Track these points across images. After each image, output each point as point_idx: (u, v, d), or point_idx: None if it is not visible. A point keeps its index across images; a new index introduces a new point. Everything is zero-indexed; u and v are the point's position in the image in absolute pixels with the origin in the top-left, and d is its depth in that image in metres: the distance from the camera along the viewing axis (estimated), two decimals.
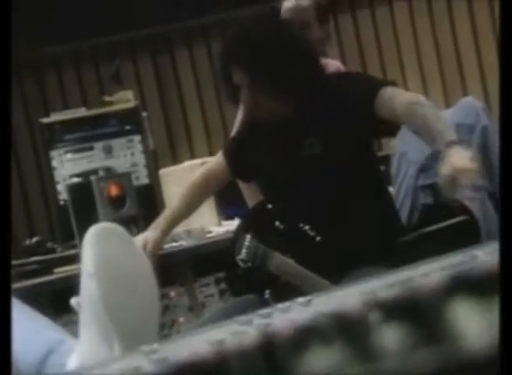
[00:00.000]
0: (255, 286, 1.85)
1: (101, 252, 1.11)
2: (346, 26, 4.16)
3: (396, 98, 1.83)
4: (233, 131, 2.60)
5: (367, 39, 4.16)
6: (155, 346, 0.70)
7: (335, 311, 0.56)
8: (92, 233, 1.12)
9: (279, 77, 1.85)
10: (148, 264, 1.18)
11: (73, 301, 1.15)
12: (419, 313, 0.50)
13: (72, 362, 1.08)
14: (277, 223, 1.86)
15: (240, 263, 1.89)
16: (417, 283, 0.55)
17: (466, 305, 0.50)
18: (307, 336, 0.52)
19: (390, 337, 0.49)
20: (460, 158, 1.71)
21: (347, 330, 0.51)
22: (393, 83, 1.91)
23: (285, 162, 1.89)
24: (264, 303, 1.76)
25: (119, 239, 1.14)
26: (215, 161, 2.09)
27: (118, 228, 1.16)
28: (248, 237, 1.87)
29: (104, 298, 1.08)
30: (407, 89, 4.17)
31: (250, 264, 1.86)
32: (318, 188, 1.82)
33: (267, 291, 1.82)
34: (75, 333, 1.21)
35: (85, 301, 1.10)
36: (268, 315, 0.83)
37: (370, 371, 0.47)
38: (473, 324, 0.48)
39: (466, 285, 0.52)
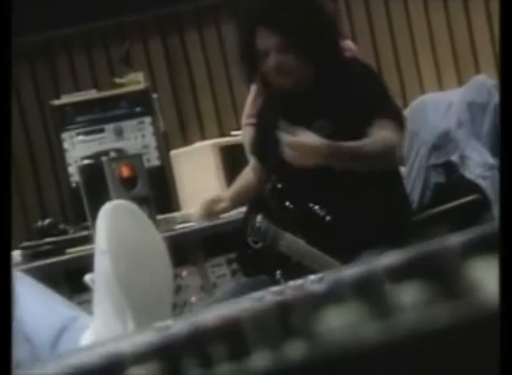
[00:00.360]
0: (266, 266, 1.85)
1: (114, 229, 1.11)
2: (359, 10, 4.12)
3: (380, 134, 1.83)
4: (244, 114, 2.59)
5: (379, 22, 4.13)
6: (169, 322, 0.70)
7: (351, 280, 0.56)
8: (106, 211, 1.12)
9: (306, 42, 1.86)
10: (162, 242, 1.18)
11: (87, 277, 1.16)
12: (436, 270, 0.50)
13: (87, 339, 1.09)
14: (287, 203, 1.86)
15: (251, 243, 1.89)
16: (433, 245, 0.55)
17: (483, 261, 0.50)
18: (322, 299, 0.52)
19: (407, 295, 0.49)
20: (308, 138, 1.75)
21: (364, 291, 0.51)
22: (394, 113, 1.89)
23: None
24: (276, 283, 1.76)
25: (133, 216, 1.14)
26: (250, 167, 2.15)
27: (131, 205, 1.17)
28: (259, 217, 1.87)
29: (117, 274, 1.08)
30: (419, 70, 4.15)
31: (261, 244, 1.86)
32: (326, 168, 1.82)
33: (278, 272, 1.82)
34: (88, 313, 1.21)
35: (99, 278, 1.10)
36: (280, 292, 0.83)
37: (387, 328, 0.47)
38: (491, 279, 0.48)
39: (483, 243, 0.52)
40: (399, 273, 0.52)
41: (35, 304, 1.08)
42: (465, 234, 0.56)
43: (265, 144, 1.99)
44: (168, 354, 0.55)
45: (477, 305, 0.48)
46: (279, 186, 1.91)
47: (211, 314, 0.69)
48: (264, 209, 1.89)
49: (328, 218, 1.81)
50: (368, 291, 0.52)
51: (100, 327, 1.09)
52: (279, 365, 0.52)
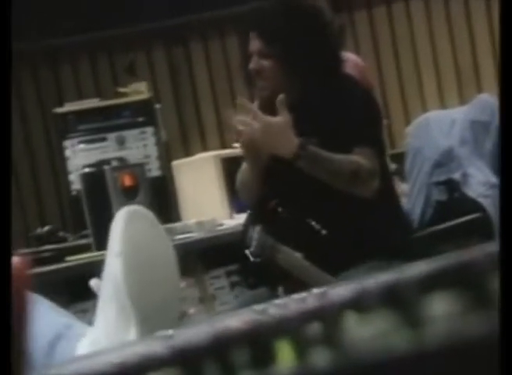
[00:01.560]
0: (268, 280, 1.84)
1: (130, 233, 1.10)
2: (362, 22, 4.14)
3: (358, 157, 1.83)
4: None
5: (382, 37, 4.14)
6: (171, 332, 0.69)
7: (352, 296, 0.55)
8: (123, 214, 1.12)
9: (288, 50, 1.88)
10: (173, 253, 1.18)
11: (93, 282, 1.14)
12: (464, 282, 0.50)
13: (84, 346, 1.07)
14: (284, 216, 1.85)
15: (250, 256, 1.87)
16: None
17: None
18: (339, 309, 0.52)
19: (435, 305, 0.48)
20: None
21: (390, 301, 0.50)
22: (375, 143, 1.89)
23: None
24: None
25: (149, 223, 1.14)
26: None
27: (148, 212, 1.16)
28: (257, 229, 1.86)
29: (128, 279, 1.07)
30: (421, 86, 4.16)
31: (259, 257, 1.85)
32: (322, 183, 1.82)
33: (280, 288, 1.80)
34: (87, 322, 1.20)
35: (107, 281, 1.09)
36: (283, 305, 0.82)
37: (414, 338, 0.47)
38: None
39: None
40: (425, 284, 0.51)
41: None
42: (489, 246, 0.55)
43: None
44: (175, 363, 0.54)
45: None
46: (277, 199, 1.90)
47: (225, 322, 0.68)
48: (263, 221, 1.88)
49: (323, 232, 1.81)
50: (394, 301, 0.52)
51: (100, 334, 1.08)
52: None
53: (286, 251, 1.81)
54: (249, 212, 2.01)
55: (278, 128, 1.78)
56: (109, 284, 1.09)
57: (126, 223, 1.11)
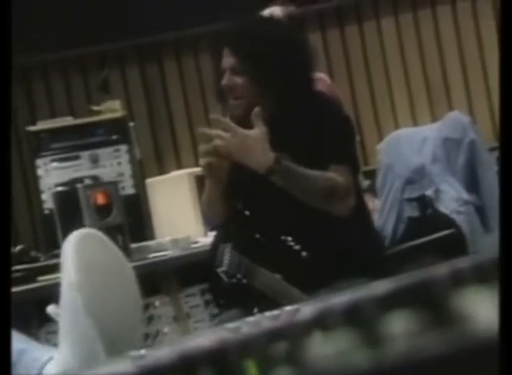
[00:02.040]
0: (242, 301, 1.80)
1: (82, 260, 1.09)
2: (334, 40, 4.17)
3: (333, 174, 1.84)
4: None
5: (354, 54, 4.18)
6: (143, 351, 0.68)
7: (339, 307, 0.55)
8: (73, 240, 1.10)
9: (261, 67, 1.87)
10: (131, 271, 1.16)
11: (50, 308, 1.13)
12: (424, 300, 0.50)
13: (53, 368, 1.05)
14: (257, 235, 1.82)
15: (223, 276, 1.84)
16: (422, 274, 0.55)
17: (473, 291, 0.49)
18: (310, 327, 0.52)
19: (395, 323, 0.49)
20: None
21: (352, 320, 0.50)
22: (350, 160, 1.90)
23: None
24: None
25: (101, 245, 1.12)
26: None
27: (99, 234, 1.15)
28: (228, 248, 1.83)
29: (87, 306, 1.06)
30: (393, 103, 4.20)
31: (233, 278, 1.82)
32: (297, 200, 1.80)
33: (255, 310, 1.77)
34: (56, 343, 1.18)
35: (66, 311, 1.08)
36: (256, 323, 0.82)
37: (377, 356, 0.47)
38: (480, 309, 0.48)
39: (471, 274, 0.52)
40: (387, 302, 0.52)
41: None
42: (452, 264, 0.56)
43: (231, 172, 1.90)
44: None
45: (466, 334, 0.47)
46: (247, 213, 1.87)
47: (192, 342, 0.68)
48: (233, 239, 1.85)
49: (304, 253, 1.79)
50: (356, 319, 0.52)
51: (68, 358, 1.06)
52: None
53: (264, 273, 1.77)
54: (217, 231, 1.98)
55: (253, 141, 1.77)
56: (69, 313, 1.07)
57: (78, 249, 1.09)
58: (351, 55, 4.19)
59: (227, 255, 1.82)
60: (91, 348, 1.04)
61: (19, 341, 1.16)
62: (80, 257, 1.08)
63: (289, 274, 1.77)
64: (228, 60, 1.89)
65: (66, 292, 1.08)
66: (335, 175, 1.83)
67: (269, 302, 1.75)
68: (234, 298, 1.83)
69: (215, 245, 1.89)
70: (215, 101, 2.03)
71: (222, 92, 1.92)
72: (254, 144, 1.77)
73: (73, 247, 1.09)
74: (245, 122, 1.85)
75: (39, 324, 2.23)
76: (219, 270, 1.83)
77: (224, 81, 1.89)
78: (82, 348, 1.04)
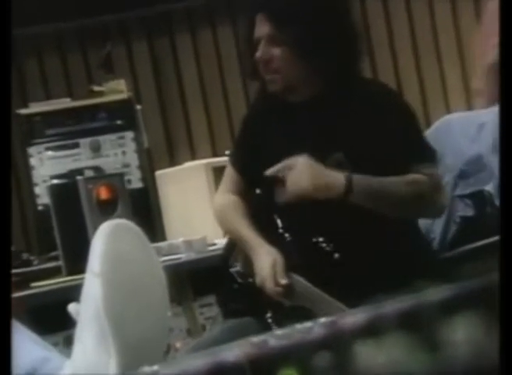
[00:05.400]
0: (254, 306, 1.82)
1: (111, 251, 1.12)
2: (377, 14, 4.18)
3: (415, 176, 1.82)
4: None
5: (398, 28, 4.19)
6: (156, 368, 0.71)
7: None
8: (104, 229, 1.14)
9: (304, 37, 1.81)
10: (163, 274, 1.19)
11: (71, 306, 1.17)
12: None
13: None
14: (285, 234, 1.83)
15: (237, 277, 1.86)
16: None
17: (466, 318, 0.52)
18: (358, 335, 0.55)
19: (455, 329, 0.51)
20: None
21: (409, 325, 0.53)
22: (432, 156, 1.89)
23: None
24: (266, 328, 1.71)
25: (136, 240, 1.16)
26: (227, 181, 2.00)
27: (136, 228, 1.18)
28: None
29: (108, 303, 1.09)
30: (443, 82, 4.19)
31: (249, 279, 1.84)
32: (337, 202, 1.80)
33: (268, 315, 1.79)
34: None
35: (86, 305, 1.11)
36: (286, 336, 0.84)
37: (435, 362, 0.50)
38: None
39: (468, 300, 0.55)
40: (442, 312, 0.54)
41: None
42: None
43: (255, 162, 1.90)
44: None
45: None
46: (275, 213, 1.87)
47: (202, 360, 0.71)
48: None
49: (336, 255, 1.79)
50: (413, 324, 0.55)
51: (79, 369, 1.10)
52: None
53: (293, 278, 1.78)
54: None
55: (318, 168, 1.74)
56: (88, 309, 1.11)
57: (108, 238, 1.13)
58: (394, 28, 4.20)
59: (243, 252, 1.83)
60: (104, 356, 1.07)
61: (42, 347, 1.21)
62: (108, 247, 1.12)
63: (321, 280, 1.78)
64: (262, 28, 1.85)
65: (88, 285, 1.12)
66: (418, 176, 1.81)
67: (285, 307, 1.76)
68: (245, 300, 1.84)
69: (232, 242, 1.91)
70: (248, 78, 1.99)
71: (254, 67, 1.88)
72: (320, 171, 1.75)
73: (103, 235, 1.13)
74: (283, 100, 1.84)
75: None
76: (233, 271, 1.84)
77: (258, 54, 1.85)
78: (93, 356, 1.07)
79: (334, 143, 1.82)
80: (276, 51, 1.84)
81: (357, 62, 1.90)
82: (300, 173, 1.74)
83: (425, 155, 1.87)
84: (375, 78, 2.07)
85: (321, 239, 1.80)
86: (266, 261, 1.78)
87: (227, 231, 1.99)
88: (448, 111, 3.97)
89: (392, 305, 0.67)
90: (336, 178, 1.75)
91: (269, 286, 1.75)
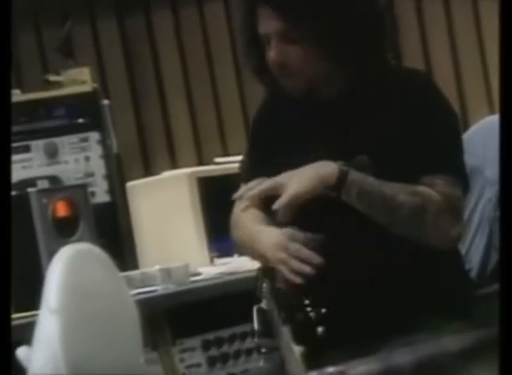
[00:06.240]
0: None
1: (71, 282, 1.14)
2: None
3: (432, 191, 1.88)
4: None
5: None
6: None
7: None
8: (62, 255, 1.16)
9: (327, 27, 1.85)
10: (135, 311, 1.22)
11: (21, 351, 1.19)
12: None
13: None
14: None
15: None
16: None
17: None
18: None
19: None
20: None
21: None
22: (458, 170, 1.95)
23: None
24: None
25: (101, 269, 1.18)
26: None
27: (101, 253, 1.21)
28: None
29: (67, 346, 1.12)
30: (487, 80, 4.23)
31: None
32: (362, 224, 1.86)
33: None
34: None
35: (40, 348, 1.14)
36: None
37: None
38: None
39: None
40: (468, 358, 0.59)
41: None
42: None
43: (271, 169, 1.95)
44: None
45: None
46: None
47: None
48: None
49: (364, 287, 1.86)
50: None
51: None
52: None
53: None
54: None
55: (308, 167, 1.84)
56: (43, 353, 1.13)
57: (68, 266, 1.15)
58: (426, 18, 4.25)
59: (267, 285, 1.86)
60: None
61: None
62: (67, 279, 1.14)
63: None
64: (270, 23, 1.89)
65: (43, 322, 1.14)
66: (427, 190, 1.86)
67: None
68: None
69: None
70: (255, 79, 2.03)
71: (262, 68, 1.94)
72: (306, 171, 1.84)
73: (60, 264, 1.15)
74: (307, 98, 1.90)
75: None
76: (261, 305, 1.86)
77: (273, 55, 1.89)
78: None
79: (358, 145, 1.89)
80: (293, 51, 1.90)
81: (386, 52, 1.95)
82: (296, 182, 1.83)
83: (452, 168, 1.92)
84: (411, 67, 2.10)
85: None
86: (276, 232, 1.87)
87: (240, 237, 2.03)
88: (491, 111, 4.01)
89: (409, 354, 0.73)
90: (329, 167, 1.84)
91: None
